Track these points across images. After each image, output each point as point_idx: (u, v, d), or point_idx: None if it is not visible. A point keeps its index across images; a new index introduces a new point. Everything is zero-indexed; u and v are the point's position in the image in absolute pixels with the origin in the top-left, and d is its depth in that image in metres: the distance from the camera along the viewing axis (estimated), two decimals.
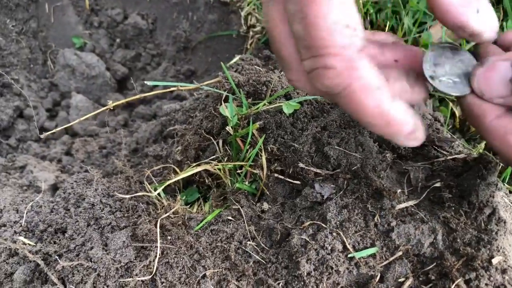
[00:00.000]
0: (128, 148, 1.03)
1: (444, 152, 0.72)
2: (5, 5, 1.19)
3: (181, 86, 0.67)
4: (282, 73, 0.83)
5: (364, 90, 0.49)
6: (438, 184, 0.65)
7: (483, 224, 0.63)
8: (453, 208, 0.64)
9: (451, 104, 0.94)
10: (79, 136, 1.14)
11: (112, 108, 1.25)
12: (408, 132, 0.53)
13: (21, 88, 1.18)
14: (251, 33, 1.00)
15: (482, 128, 0.54)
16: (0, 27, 1.21)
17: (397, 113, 0.51)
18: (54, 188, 0.94)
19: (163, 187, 0.70)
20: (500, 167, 0.67)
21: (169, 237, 0.68)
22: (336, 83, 0.49)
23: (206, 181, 0.78)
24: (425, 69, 0.56)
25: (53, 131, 0.77)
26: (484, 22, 0.54)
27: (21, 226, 0.75)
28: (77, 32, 1.27)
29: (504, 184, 0.78)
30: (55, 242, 0.71)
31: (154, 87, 1.25)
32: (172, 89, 0.68)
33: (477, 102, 0.55)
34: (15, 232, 0.74)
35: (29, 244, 0.71)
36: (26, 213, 0.76)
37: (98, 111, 0.71)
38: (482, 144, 0.90)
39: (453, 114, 0.95)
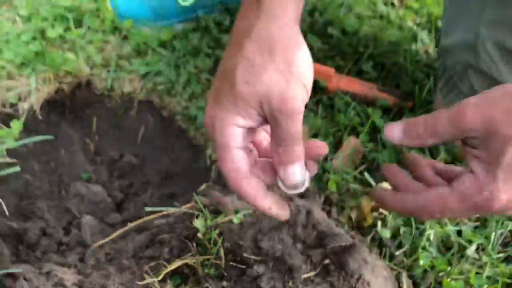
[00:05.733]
0: (127, 253, 1.43)
1: (335, 242, 1.15)
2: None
3: (167, 210, 1.10)
4: (234, 197, 1.27)
5: (230, 173, 0.69)
6: (327, 261, 1.08)
7: (353, 284, 1.04)
8: (336, 275, 1.05)
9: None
10: (89, 247, 1.52)
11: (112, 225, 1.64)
12: (264, 208, 0.68)
13: (43, 213, 1.58)
14: (213, 166, 1.46)
15: None
16: (29, 170, 1.62)
17: (248, 190, 0.66)
18: (76, 285, 1.31)
19: (163, 274, 1.10)
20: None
21: None
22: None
23: (185, 271, 1.18)
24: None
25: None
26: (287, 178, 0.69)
27: None
28: (84, 168, 1.71)
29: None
30: None
31: (145, 206, 1.67)
32: (163, 212, 1.11)
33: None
34: None
35: None
36: None
37: (111, 236, 1.12)
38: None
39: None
